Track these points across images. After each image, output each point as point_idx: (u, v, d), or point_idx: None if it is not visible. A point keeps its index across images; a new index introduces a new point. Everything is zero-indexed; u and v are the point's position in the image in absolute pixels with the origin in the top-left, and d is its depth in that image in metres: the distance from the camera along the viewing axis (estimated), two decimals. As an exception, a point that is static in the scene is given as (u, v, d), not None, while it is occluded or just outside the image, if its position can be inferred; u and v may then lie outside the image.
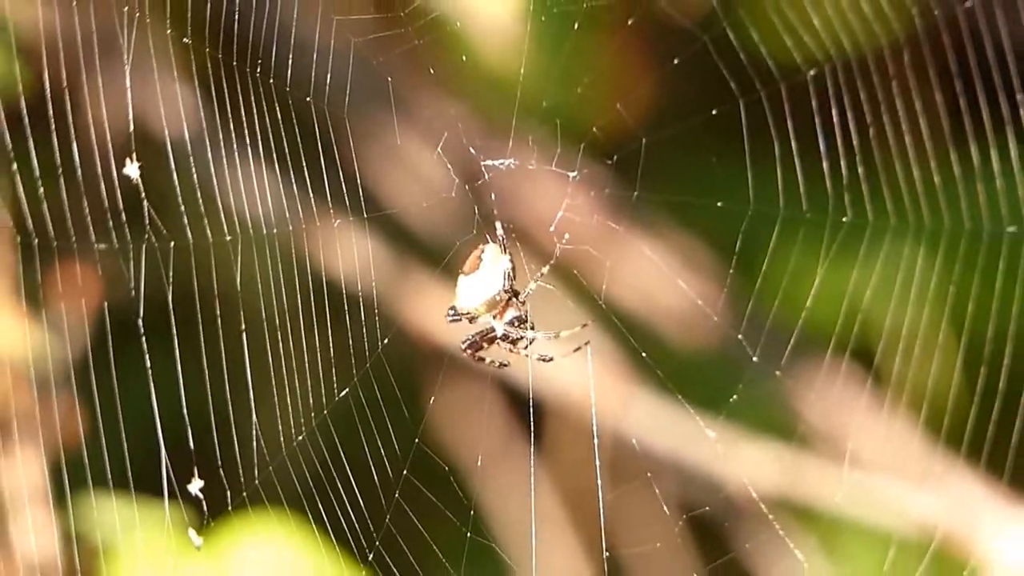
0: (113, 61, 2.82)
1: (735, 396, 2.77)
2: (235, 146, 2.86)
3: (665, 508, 3.09)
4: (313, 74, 2.81)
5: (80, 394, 2.51)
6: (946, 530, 2.74)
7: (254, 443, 2.68)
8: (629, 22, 2.95)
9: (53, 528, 2.62)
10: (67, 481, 2.58)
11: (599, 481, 2.94)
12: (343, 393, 2.79)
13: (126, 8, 2.80)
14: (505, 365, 2.56)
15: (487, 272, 2.44)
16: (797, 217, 2.95)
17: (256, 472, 2.68)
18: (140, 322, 2.78)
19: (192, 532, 2.45)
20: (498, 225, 2.65)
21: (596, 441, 2.90)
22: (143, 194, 2.61)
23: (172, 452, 2.63)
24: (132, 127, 2.67)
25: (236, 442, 2.75)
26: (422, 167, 2.92)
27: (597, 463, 2.91)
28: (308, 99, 2.84)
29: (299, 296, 3.06)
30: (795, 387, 2.85)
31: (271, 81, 2.83)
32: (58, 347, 2.51)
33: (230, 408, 2.75)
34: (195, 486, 2.53)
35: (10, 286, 2.37)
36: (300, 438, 2.60)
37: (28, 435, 2.46)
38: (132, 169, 2.46)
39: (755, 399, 2.92)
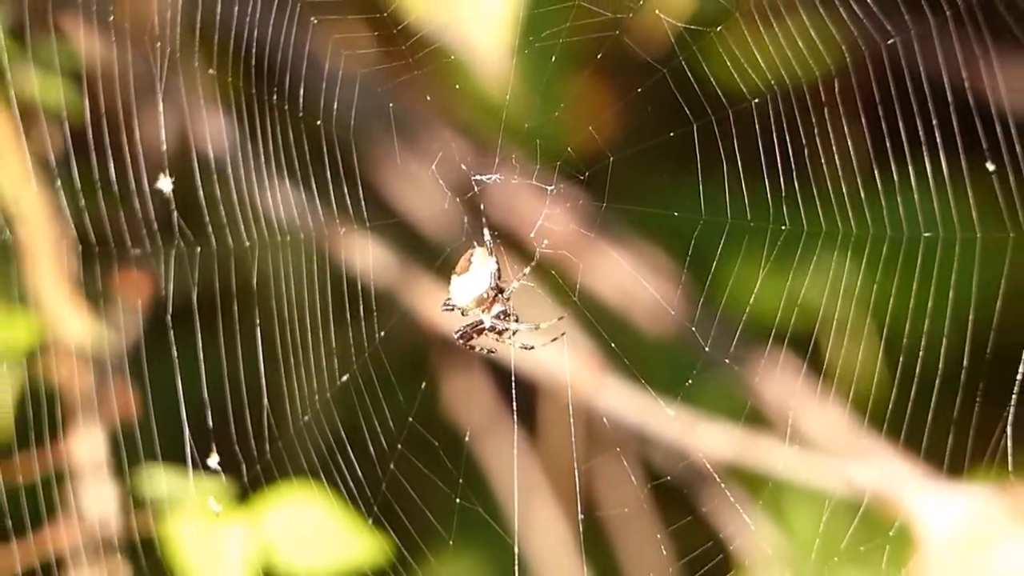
0: (151, 91, 2.96)
1: (690, 381, 2.94)
2: (257, 162, 2.99)
3: (632, 478, 3.37)
4: (323, 101, 3.15)
5: (132, 377, 2.65)
6: (873, 495, 2.87)
7: (268, 420, 2.83)
8: (598, 56, 3.13)
9: (111, 493, 2.68)
10: (123, 451, 2.66)
11: (574, 454, 3.22)
12: (344, 378, 3.04)
13: (158, 44, 2.81)
14: (492, 352, 2.79)
15: (476, 272, 2.65)
16: (743, 226, 3.12)
17: (268, 446, 2.82)
18: (168, 318, 2.83)
19: (212, 500, 2.57)
20: (486, 232, 2.85)
21: (571, 419, 3.15)
22: (173, 206, 2.65)
23: (201, 430, 2.76)
24: (165, 147, 2.76)
25: (269, 413, 2.86)
26: (420, 182, 3.13)
27: (573, 438, 3.19)
28: (318, 123, 3.12)
29: (307, 294, 3.22)
30: (741, 373, 3.03)
31: (286, 107, 3.16)
32: (113, 337, 2.61)
33: (282, 382, 2.95)
34: (213, 460, 2.66)
35: (73, 286, 2.50)
36: (306, 418, 2.83)
37: (89, 413, 2.60)
38: (165, 183, 2.59)
39: (707, 383, 3.13)
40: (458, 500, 3.12)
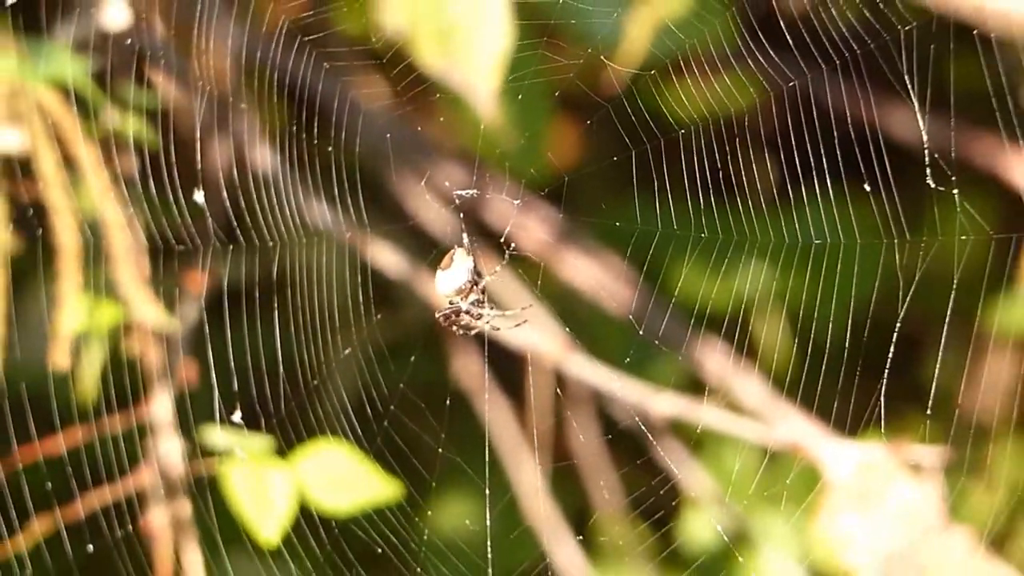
0: (209, 126, 3.26)
1: (628, 358, 3.29)
2: (292, 179, 3.31)
3: (581, 437, 3.65)
4: (340, 131, 3.38)
5: (191, 351, 2.99)
6: (786, 448, 3.24)
7: (304, 382, 3.20)
8: (556, 94, 3.47)
9: (177, 444, 2.94)
10: (189, 411, 2.95)
11: (534, 415, 3.55)
12: (347, 351, 3.50)
13: (209, 87, 3.10)
14: (469, 331, 3.04)
15: (456, 268, 2.95)
16: (671, 233, 3.50)
17: (300, 404, 3.20)
18: (225, 301, 3.14)
19: (238, 448, 2.89)
20: (464, 236, 3.06)
21: (533, 387, 3.48)
22: (208, 214, 2.99)
23: (245, 393, 3.13)
24: (200, 166, 3.07)
25: (304, 377, 3.22)
26: (413, 194, 3.46)
27: (533, 402, 3.51)
28: (329, 149, 3.33)
29: (331, 282, 3.44)
30: (671, 351, 3.45)
31: (315, 141, 3.33)
32: (176, 320, 2.93)
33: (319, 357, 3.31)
34: (236, 416, 3.00)
35: (145, 279, 2.80)
36: (315, 382, 3.16)
37: (162, 380, 2.91)
38: (199, 196, 2.92)
39: (644, 359, 3.52)
40: (440, 450, 3.44)
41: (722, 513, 3.67)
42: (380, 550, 3.29)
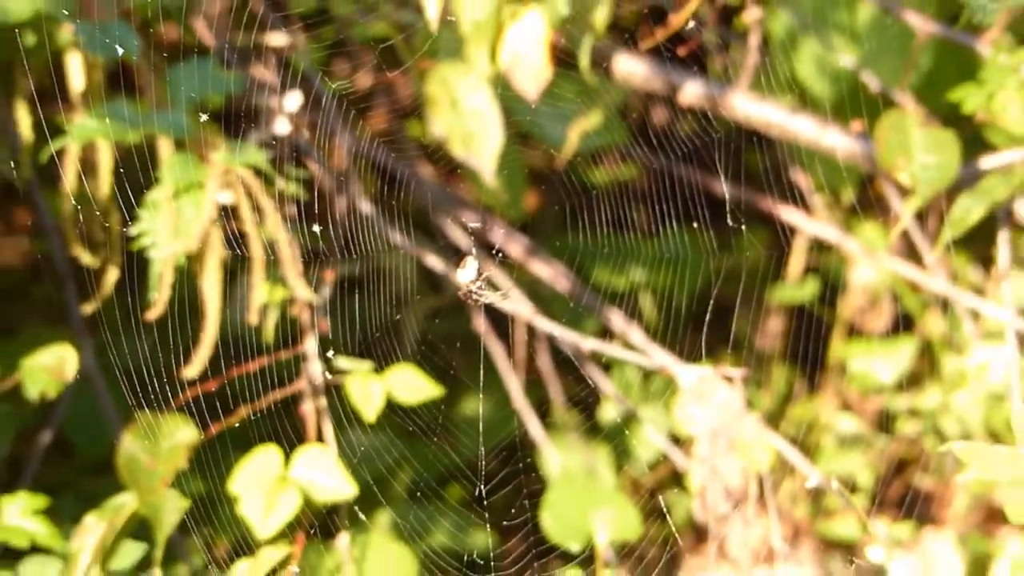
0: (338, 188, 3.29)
1: (567, 318, 3.33)
2: (380, 219, 3.32)
3: (541, 361, 3.73)
4: (401, 192, 3.41)
5: (325, 314, 3.01)
6: (658, 369, 3.26)
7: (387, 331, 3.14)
8: (527, 171, 3.57)
9: (319, 366, 3.00)
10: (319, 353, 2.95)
11: (515, 349, 3.65)
12: (398, 316, 3.40)
13: (334, 168, 3.23)
14: (477, 303, 3.06)
15: (469, 267, 3.02)
16: (588, 249, 3.76)
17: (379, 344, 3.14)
18: (343, 285, 3.17)
19: (326, 372, 2.96)
20: (473, 249, 3.21)
21: (514, 333, 3.62)
22: (332, 238, 2.99)
23: (352, 339, 3.10)
24: (329, 211, 3.14)
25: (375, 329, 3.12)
26: (446, 226, 3.47)
27: (514, 345, 3.63)
28: (395, 201, 3.37)
29: (402, 275, 3.51)
30: (592, 314, 3.49)
31: (392, 197, 3.40)
32: (317, 295, 2.94)
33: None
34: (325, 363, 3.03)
35: (300, 272, 2.82)
36: (377, 334, 3.11)
37: (309, 330, 2.96)
38: (323, 228, 2.94)
39: (576, 318, 3.54)
40: (451, 372, 3.39)
41: (620, 406, 3.73)
42: (431, 425, 3.26)
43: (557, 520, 3.17)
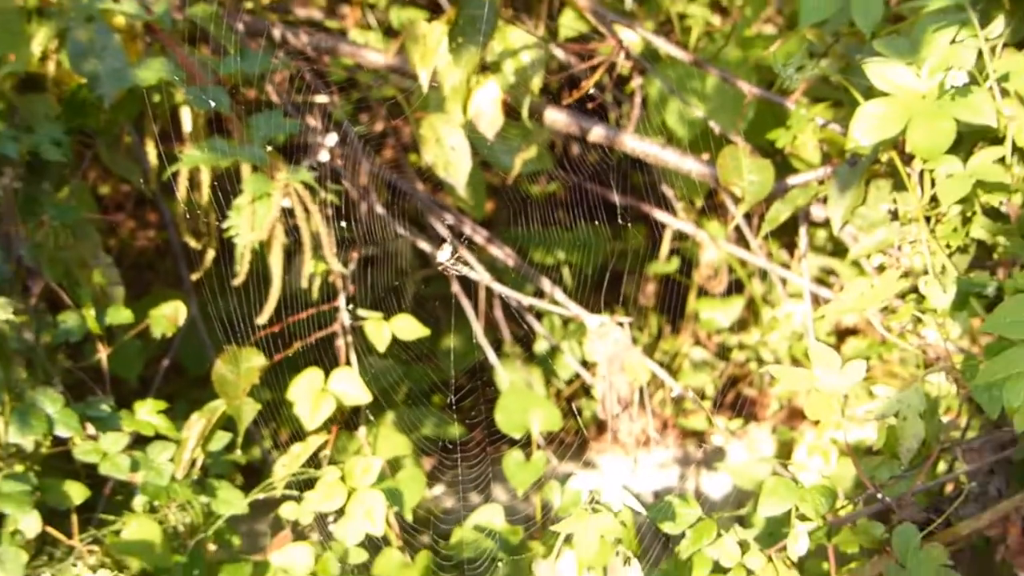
0: (356, 198, 3.19)
1: (513, 283, 3.27)
2: (390, 218, 3.28)
3: (496, 313, 3.63)
4: (404, 200, 3.33)
5: (352, 280, 2.92)
6: (572, 317, 3.20)
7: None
8: (487, 185, 3.45)
9: (347, 316, 2.91)
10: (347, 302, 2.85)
11: (477, 307, 3.51)
12: (399, 282, 3.35)
13: (359, 184, 3.15)
14: (452, 272, 3.14)
15: (447, 249, 3.04)
16: (528, 238, 3.60)
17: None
18: (364, 262, 3.07)
19: (352, 319, 2.88)
20: (450, 236, 3.29)
21: (476, 296, 3.53)
22: (355, 230, 2.92)
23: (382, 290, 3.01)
24: (354, 213, 3.08)
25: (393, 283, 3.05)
26: (433, 222, 3.35)
27: (477, 302, 3.53)
28: (405, 205, 3.30)
29: (406, 253, 3.40)
30: (530, 280, 3.33)
31: (398, 202, 3.34)
32: (346, 268, 2.83)
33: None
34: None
35: (334, 252, 2.76)
36: (383, 294, 3.01)
37: (342, 291, 2.88)
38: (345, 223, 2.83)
39: (520, 283, 3.38)
40: (438, 317, 3.39)
41: (548, 342, 3.66)
42: (421, 354, 3.27)
43: (505, 418, 3.17)
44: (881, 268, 2.67)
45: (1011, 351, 1.75)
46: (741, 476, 3.31)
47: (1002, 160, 2.35)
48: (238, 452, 2.84)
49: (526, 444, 3.09)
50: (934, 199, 2.46)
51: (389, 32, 3.16)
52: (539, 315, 3.46)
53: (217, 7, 2.82)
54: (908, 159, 2.50)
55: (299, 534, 2.69)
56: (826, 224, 3.12)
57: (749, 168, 2.92)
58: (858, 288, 2.63)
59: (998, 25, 2.34)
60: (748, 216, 3.42)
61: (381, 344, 2.80)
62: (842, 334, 3.19)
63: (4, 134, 2.53)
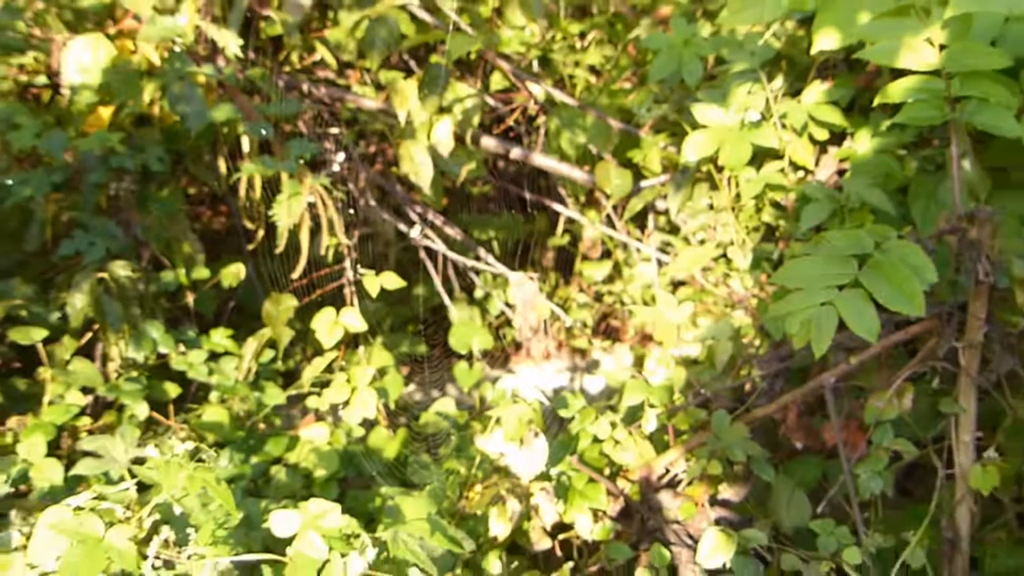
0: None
1: (458, 251, 2.93)
2: (375, 204, 3.09)
3: (450, 270, 3.30)
4: (373, 188, 3.14)
5: (355, 249, 2.62)
6: (501, 274, 2.89)
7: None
8: (442, 187, 3.16)
9: (352, 272, 2.71)
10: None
11: (437, 267, 3.28)
12: (385, 251, 3.24)
13: (359, 187, 3.11)
14: (421, 244, 3.07)
15: (416, 228, 3.01)
16: (473, 221, 3.41)
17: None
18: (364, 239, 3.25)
19: (355, 274, 2.81)
20: (419, 220, 3.14)
21: (437, 260, 3.27)
22: (355, 216, 2.79)
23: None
24: (357, 206, 3.02)
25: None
26: (409, 212, 3.05)
27: (437, 263, 3.30)
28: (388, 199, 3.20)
29: (388, 234, 3.19)
30: (473, 251, 2.95)
31: (384, 196, 3.16)
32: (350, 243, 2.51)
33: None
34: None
35: (343, 232, 2.51)
36: (376, 259, 2.82)
37: (347, 257, 2.66)
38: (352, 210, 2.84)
39: (465, 252, 3.00)
40: (411, 273, 3.16)
41: (483, 290, 3.44)
42: (400, 299, 3.13)
43: (456, 340, 3.09)
44: (702, 241, 2.70)
45: (789, 296, 1.70)
46: (611, 378, 3.16)
47: (782, 170, 2.39)
48: (279, 363, 2.79)
49: (470, 357, 3.02)
50: (738, 196, 2.47)
51: (379, 87, 3.07)
52: (477, 272, 3.31)
53: (265, 70, 2.79)
54: (720, 169, 2.51)
55: (319, 417, 2.64)
56: (666, 212, 3.08)
57: (615, 176, 2.88)
58: (688, 255, 2.66)
59: (778, 82, 2.43)
60: (615, 207, 3.27)
61: (374, 292, 2.65)
62: (676, 285, 3.15)
63: (124, 153, 2.51)
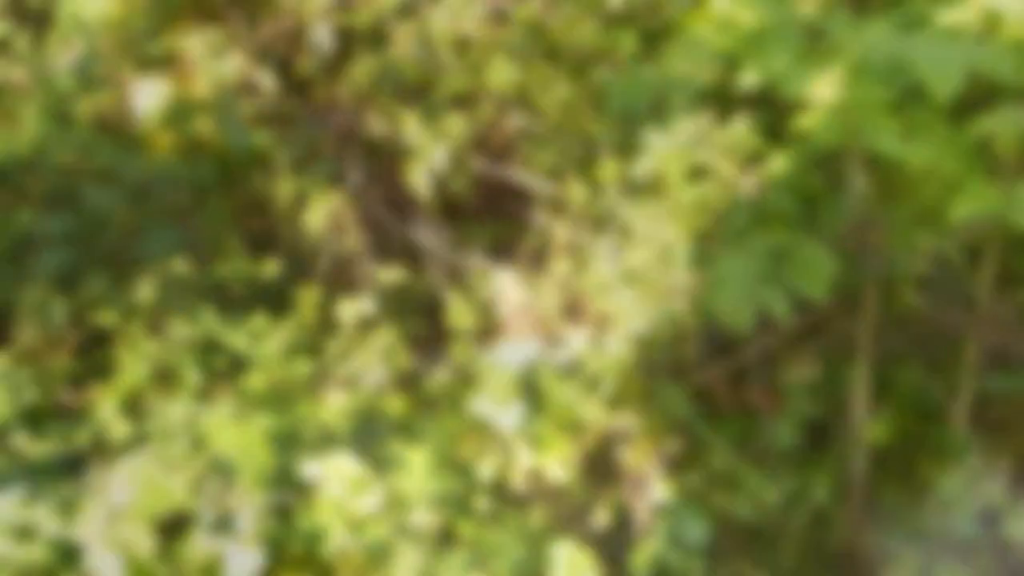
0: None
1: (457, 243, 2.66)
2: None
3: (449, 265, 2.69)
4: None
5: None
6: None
7: None
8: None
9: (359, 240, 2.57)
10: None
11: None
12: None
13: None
14: (424, 245, 2.77)
15: (416, 229, 2.69)
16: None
17: None
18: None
19: None
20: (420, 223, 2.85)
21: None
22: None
23: None
24: None
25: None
26: None
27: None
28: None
29: None
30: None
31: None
32: None
33: None
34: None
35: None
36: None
37: None
38: None
39: None
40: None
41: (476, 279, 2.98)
42: None
43: (451, 322, 2.89)
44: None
45: (721, 285, 1.76)
46: (576, 353, 2.72)
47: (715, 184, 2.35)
48: (307, 341, 2.66)
49: (462, 337, 2.88)
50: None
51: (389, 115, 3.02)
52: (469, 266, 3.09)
53: (295, 102, 2.74)
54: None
55: (340, 385, 2.63)
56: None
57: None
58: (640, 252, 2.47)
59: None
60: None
61: (383, 282, 2.62)
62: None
63: (183, 170, 2.61)
